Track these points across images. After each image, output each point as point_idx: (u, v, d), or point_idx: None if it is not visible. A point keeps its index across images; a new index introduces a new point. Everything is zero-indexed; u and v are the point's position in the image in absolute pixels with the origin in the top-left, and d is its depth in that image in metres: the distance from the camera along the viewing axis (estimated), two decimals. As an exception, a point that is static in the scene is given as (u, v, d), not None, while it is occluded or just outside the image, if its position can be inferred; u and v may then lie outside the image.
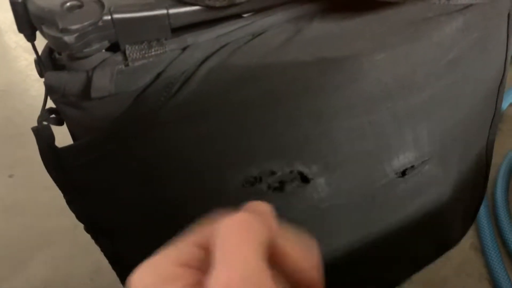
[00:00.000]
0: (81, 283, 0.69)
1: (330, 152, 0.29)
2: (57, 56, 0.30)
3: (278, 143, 0.28)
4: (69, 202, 0.31)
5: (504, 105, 0.82)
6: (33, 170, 0.92)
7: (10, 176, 0.89)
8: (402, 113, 0.30)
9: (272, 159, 0.28)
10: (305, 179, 0.30)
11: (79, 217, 0.32)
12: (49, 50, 0.30)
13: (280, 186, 0.29)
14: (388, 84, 0.28)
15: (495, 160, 0.45)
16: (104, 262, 0.51)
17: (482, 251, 0.66)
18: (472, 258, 0.66)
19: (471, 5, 0.29)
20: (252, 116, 0.27)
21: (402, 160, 0.32)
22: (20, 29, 0.27)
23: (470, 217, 0.46)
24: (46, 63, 0.29)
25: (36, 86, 1.07)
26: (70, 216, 0.43)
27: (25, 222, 0.80)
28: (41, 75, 0.31)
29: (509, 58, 0.36)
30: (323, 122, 0.28)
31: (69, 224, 0.75)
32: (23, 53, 1.14)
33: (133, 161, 0.28)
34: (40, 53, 0.29)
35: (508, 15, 0.33)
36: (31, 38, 0.28)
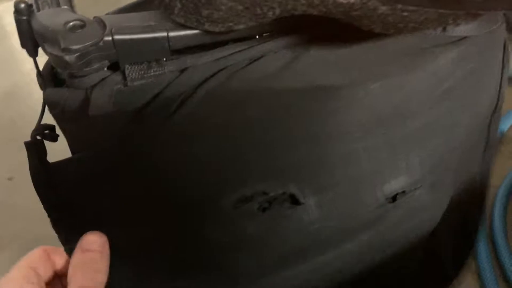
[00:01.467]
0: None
1: (324, 175, 0.30)
2: (58, 70, 0.30)
3: (274, 165, 0.28)
4: (56, 222, 0.31)
5: (505, 126, 0.82)
6: (32, 174, 0.92)
7: (10, 179, 0.89)
8: (395, 140, 0.30)
9: (266, 180, 0.29)
10: (295, 201, 0.30)
11: (66, 238, 0.31)
12: (51, 64, 0.30)
13: (270, 207, 0.30)
14: (382, 112, 0.28)
15: (494, 182, 0.44)
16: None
17: (478, 274, 0.65)
18: (467, 281, 0.66)
19: (466, 37, 0.30)
20: (249, 139, 0.27)
21: (394, 185, 0.32)
22: (23, 45, 0.28)
23: (464, 251, 0.45)
24: (48, 77, 0.30)
25: (40, 90, 1.08)
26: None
27: (23, 226, 0.80)
28: (42, 89, 0.31)
29: (504, 86, 0.36)
30: (318, 146, 0.28)
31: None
32: (28, 57, 1.15)
33: (126, 179, 0.28)
34: (42, 67, 0.30)
35: (504, 44, 0.34)
36: (33, 54, 0.28)
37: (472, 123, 0.35)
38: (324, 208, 0.31)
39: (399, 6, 0.22)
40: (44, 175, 0.28)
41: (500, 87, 0.36)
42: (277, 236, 0.31)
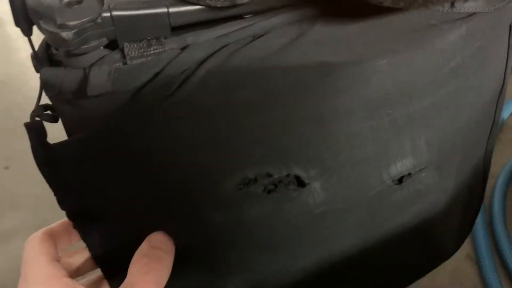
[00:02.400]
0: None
1: (329, 157, 0.29)
2: (54, 51, 0.29)
3: (277, 146, 0.28)
4: (61, 201, 0.31)
5: (505, 114, 0.81)
6: (29, 163, 0.91)
7: (6, 167, 0.88)
8: (401, 120, 0.30)
9: (270, 161, 0.28)
10: (301, 183, 0.29)
11: (71, 215, 0.31)
12: (46, 45, 0.29)
13: (275, 189, 0.29)
14: (389, 90, 0.28)
15: (493, 169, 0.44)
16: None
17: (477, 261, 0.66)
18: (466, 268, 0.66)
19: (474, 13, 0.29)
20: (252, 118, 0.27)
21: (400, 167, 0.32)
22: (17, 23, 0.27)
23: (466, 228, 0.46)
24: (43, 59, 0.29)
25: (36, 78, 1.06)
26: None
27: (20, 215, 0.80)
28: (37, 70, 0.30)
29: (509, 69, 0.36)
30: (323, 126, 0.28)
31: (64, 218, 0.75)
32: (24, 45, 1.14)
33: (128, 159, 0.27)
34: (37, 48, 0.29)
35: (510, 26, 0.33)
36: (27, 33, 0.27)
37: (478, 104, 0.34)
38: (329, 191, 0.30)
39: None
40: (45, 156, 0.28)
41: (506, 67, 0.35)
42: (281, 220, 0.30)
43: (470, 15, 0.29)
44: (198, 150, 0.27)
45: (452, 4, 0.28)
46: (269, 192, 0.29)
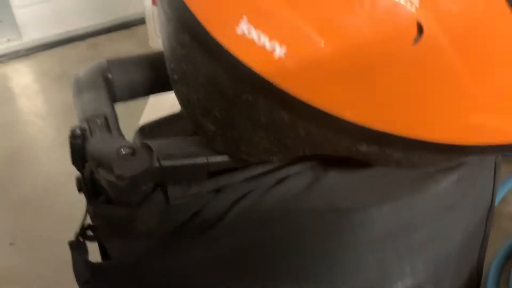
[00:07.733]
0: None
1: (338, 281, 0.33)
2: (97, 177, 0.33)
3: (294, 273, 0.31)
4: None
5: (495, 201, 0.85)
6: (34, 240, 0.92)
7: (11, 244, 0.89)
8: (402, 250, 0.34)
9: (286, 283, 0.32)
10: None
11: None
12: (90, 170, 0.33)
13: None
14: (392, 229, 0.32)
15: (485, 258, 0.47)
16: None
17: None
18: None
19: (464, 162, 0.34)
20: (276, 252, 0.30)
21: (401, 286, 0.35)
22: (74, 162, 0.31)
23: None
24: (89, 183, 0.33)
25: (45, 152, 1.08)
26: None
27: (23, 291, 0.80)
28: (79, 189, 0.34)
29: (495, 194, 0.40)
30: (333, 258, 0.31)
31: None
32: (34, 118, 1.16)
33: (162, 284, 0.31)
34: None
35: (495, 163, 0.38)
36: (81, 170, 0.32)
37: (470, 226, 0.38)
38: None
39: (413, 152, 0.26)
40: (86, 272, 0.31)
41: (493, 195, 0.40)
42: None
43: (460, 164, 0.34)
44: (230, 278, 0.30)
45: (445, 158, 0.33)
46: None
